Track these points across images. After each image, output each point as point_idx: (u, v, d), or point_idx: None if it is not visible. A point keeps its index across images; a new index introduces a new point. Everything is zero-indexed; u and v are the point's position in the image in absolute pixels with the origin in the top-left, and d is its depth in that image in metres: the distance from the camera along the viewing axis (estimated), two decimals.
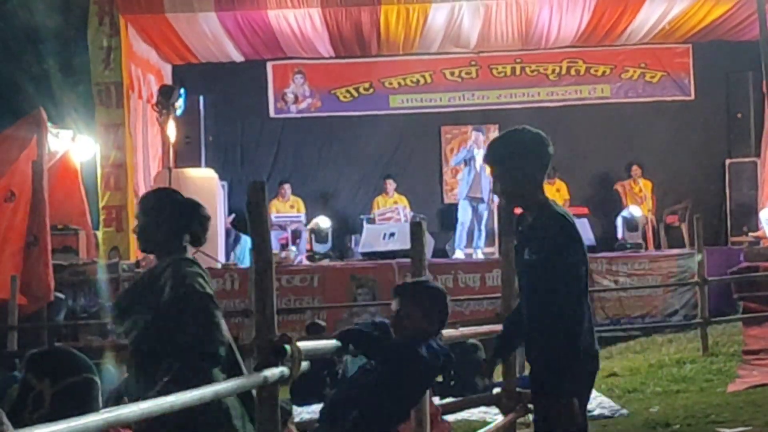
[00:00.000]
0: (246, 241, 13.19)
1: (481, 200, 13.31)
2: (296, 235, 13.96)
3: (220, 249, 13.08)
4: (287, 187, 14.47)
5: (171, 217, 3.83)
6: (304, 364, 3.09)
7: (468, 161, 13.35)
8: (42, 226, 10.64)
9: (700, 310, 10.44)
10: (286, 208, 14.32)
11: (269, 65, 15.33)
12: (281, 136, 15.39)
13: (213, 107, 15.06)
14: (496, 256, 12.11)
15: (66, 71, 16.34)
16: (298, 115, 15.45)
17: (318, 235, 13.72)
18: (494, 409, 6.75)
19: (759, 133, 14.22)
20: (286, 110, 15.48)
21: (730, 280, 11.59)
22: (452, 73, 15.36)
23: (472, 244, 13.52)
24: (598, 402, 8.01)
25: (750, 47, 12.96)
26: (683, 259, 12.01)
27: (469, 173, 13.34)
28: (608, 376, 9.24)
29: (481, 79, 15.37)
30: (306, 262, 13.29)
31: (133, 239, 11.17)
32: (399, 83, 15.37)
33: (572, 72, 15.32)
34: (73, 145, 12.41)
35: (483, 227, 13.51)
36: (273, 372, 2.91)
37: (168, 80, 14.61)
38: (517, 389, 5.71)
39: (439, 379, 5.71)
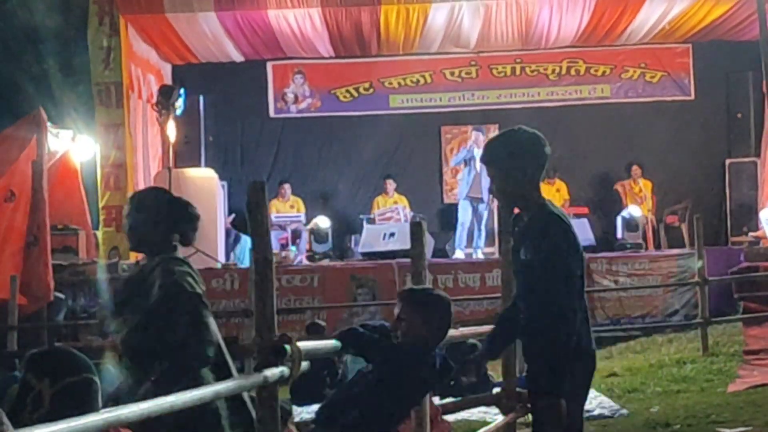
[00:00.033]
0: (246, 241, 13.19)
1: (481, 200, 13.31)
2: (296, 235, 13.96)
3: (220, 249, 13.08)
4: (287, 187, 14.47)
5: (160, 216, 3.82)
6: (304, 364, 3.09)
7: (468, 161, 13.35)
8: (42, 226, 10.64)
9: (700, 310, 10.44)
10: (286, 208, 14.33)
11: (269, 65, 15.33)
12: (281, 136, 15.40)
13: (213, 107, 15.06)
14: (496, 256, 12.11)
15: (66, 71, 16.33)
16: (298, 115, 15.45)
17: (317, 235, 13.72)
18: (494, 409, 6.74)
19: (759, 133, 14.22)
20: (286, 110, 15.48)
21: (730, 280, 11.58)
22: (452, 73, 15.36)
23: (472, 244, 13.52)
24: (598, 402, 8.01)
25: (750, 47, 12.96)
26: (683, 259, 12.01)
27: (469, 173, 13.34)
28: (608, 376, 9.24)
29: (481, 79, 15.37)
30: (306, 262, 13.29)
31: None
32: (399, 83, 15.37)
33: (572, 72, 15.32)
34: (73, 145, 12.41)
35: (483, 227, 13.51)
36: (273, 372, 2.91)
37: (168, 80, 14.61)
38: (517, 389, 5.71)
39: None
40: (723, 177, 14.51)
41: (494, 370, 8.41)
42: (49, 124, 11.25)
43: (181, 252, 3.96)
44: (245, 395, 3.77)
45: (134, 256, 12.17)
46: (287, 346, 2.94)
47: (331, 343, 3.58)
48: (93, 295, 11.19)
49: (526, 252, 3.58)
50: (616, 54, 15.23)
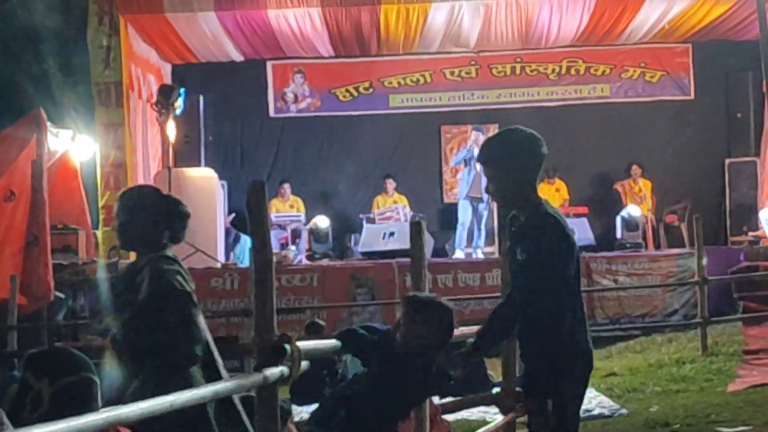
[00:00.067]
0: (246, 240, 13.19)
1: (481, 200, 13.30)
2: (296, 235, 13.96)
3: (220, 248, 13.08)
4: (287, 186, 14.47)
5: (150, 214, 3.81)
6: (304, 364, 3.09)
7: (468, 161, 13.35)
8: (42, 226, 10.64)
9: (699, 309, 10.43)
10: (285, 208, 14.33)
11: (269, 65, 15.33)
12: (281, 136, 15.39)
13: (213, 107, 15.05)
14: (496, 255, 12.12)
15: (66, 71, 16.33)
16: (298, 115, 15.45)
17: (317, 235, 13.71)
18: (494, 409, 6.75)
19: (759, 133, 14.21)
20: (285, 110, 15.48)
21: (729, 279, 11.58)
22: (452, 73, 15.36)
23: (472, 243, 13.52)
24: (597, 402, 8.01)
25: (750, 47, 12.96)
26: (683, 259, 12.01)
27: (469, 173, 13.34)
28: (608, 376, 9.24)
29: (481, 78, 15.37)
30: (306, 261, 13.29)
31: None
32: (399, 83, 15.37)
33: (572, 71, 15.32)
34: (73, 144, 12.40)
35: (483, 227, 13.51)
36: (273, 372, 2.91)
37: (168, 80, 14.60)
38: (517, 389, 5.71)
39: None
40: (723, 177, 14.51)
41: (494, 370, 8.41)
42: (48, 123, 11.25)
43: (182, 252, 3.97)
44: (235, 397, 3.78)
45: (134, 256, 12.19)
46: (287, 346, 2.95)
47: (331, 342, 3.58)
48: (93, 294, 11.19)
49: (521, 252, 3.58)
50: (615, 54, 15.23)
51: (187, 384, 3.54)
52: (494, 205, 13.14)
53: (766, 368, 8.90)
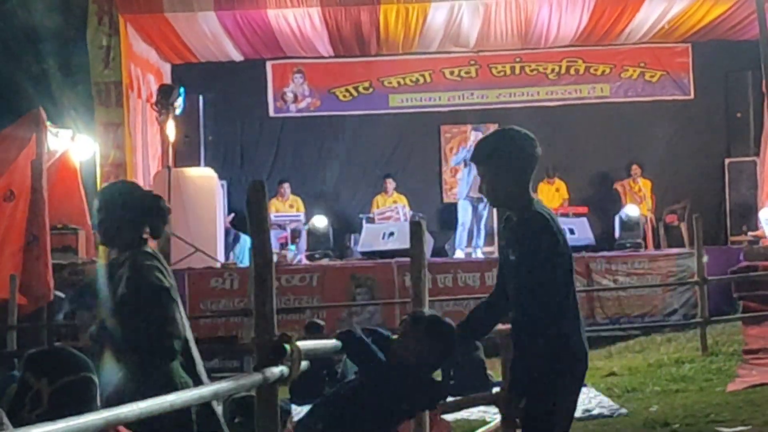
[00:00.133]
0: (245, 240, 13.19)
1: (481, 200, 13.29)
2: (295, 235, 13.96)
3: (220, 248, 13.08)
4: (287, 186, 14.47)
5: (129, 210, 3.81)
6: (304, 364, 3.09)
7: (468, 161, 13.34)
8: (41, 226, 10.64)
9: (699, 309, 10.44)
10: (285, 208, 14.32)
11: (269, 64, 15.33)
12: (281, 136, 15.39)
13: (212, 107, 15.05)
14: (496, 255, 12.10)
15: (65, 71, 16.33)
16: (298, 115, 15.45)
17: (315, 235, 13.69)
18: (494, 409, 6.75)
19: (758, 133, 14.21)
20: (285, 109, 15.48)
21: (729, 279, 11.58)
22: (452, 73, 15.36)
23: (472, 243, 13.52)
24: (597, 401, 8.02)
25: (749, 47, 12.96)
26: (683, 259, 12.01)
27: (468, 173, 13.34)
28: (607, 376, 9.25)
29: (481, 78, 15.37)
30: (306, 261, 13.29)
31: None
32: (398, 82, 15.37)
33: (572, 71, 15.32)
34: (73, 144, 12.41)
35: (483, 227, 13.51)
36: (272, 371, 2.91)
37: (167, 79, 14.60)
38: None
39: (438, 378, 5.70)
40: (722, 176, 14.51)
41: (494, 370, 8.42)
42: (48, 123, 11.25)
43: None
44: (214, 403, 3.79)
45: None
46: (287, 346, 2.95)
47: (331, 342, 3.58)
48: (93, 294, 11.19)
49: (513, 252, 3.58)
50: (615, 53, 15.23)
51: (168, 380, 3.56)
52: None
53: (766, 368, 8.90)
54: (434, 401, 3.77)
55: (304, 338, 5.17)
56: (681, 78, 15.29)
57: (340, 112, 15.39)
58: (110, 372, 3.54)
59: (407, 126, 15.32)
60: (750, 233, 13.43)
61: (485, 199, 13.97)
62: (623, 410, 7.68)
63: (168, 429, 3.29)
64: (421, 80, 15.36)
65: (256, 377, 2.88)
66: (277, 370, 2.93)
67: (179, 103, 13.20)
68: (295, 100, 15.45)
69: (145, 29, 13.64)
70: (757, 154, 14.12)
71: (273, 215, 13.61)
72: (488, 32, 14.27)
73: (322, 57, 15.09)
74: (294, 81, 15.40)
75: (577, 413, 7.24)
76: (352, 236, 14.24)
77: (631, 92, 15.32)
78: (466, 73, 15.36)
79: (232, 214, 14.03)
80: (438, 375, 4.47)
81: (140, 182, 13.11)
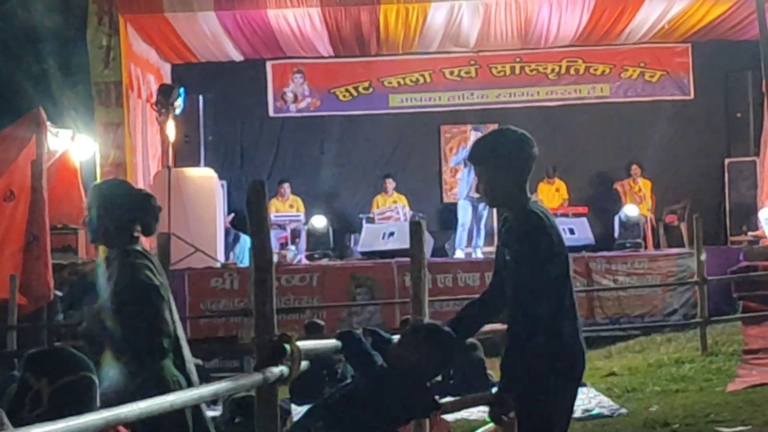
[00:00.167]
0: (245, 240, 13.19)
1: (481, 199, 13.29)
2: (295, 235, 13.96)
3: (220, 248, 13.08)
4: (286, 186, 14.47)
5: (119, 208, 3.82)
6: (304, 364, 3.09)
7: (467, 161, 13.35)
8: (41, 226, 10.64)
9: (699, 309, 10.43)
10: (285, 208, 14.32)
11: (269, 64, 15.33)
12: (281, 136, 15.40)
13: (212, 107, 15.05)
14: None
15: (65, 71, 16.33)
16: (298, 115, 15.45)
17: (314, 235, 13.68)
18: None
19: (758, 133, 14.20)
20: (285, 109, 15.48)
21: (729, 279, 11.58)
22: (452, 73, 15.36)
23: (472, 243, 13.52)
24: (597, 401, 8.02)
25: (749, 47, 12.97)
26: (682, 259, 12.01)
27: (468, 173, 13.33)
28: (607, 376, 9.25)
29: (481, 78, 15.37)
30: (306, 261, 13.29)
31: None
32: (398, 82, 15.37)
33: (572, 71, 15.32)
34: (73, 144, 12.41)
35: (483, 227, 13.50)
36: (273, 371, 2.91)
37: (167, 79, 14.60)
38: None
39: (439, 378, 5.71)
40: (722, 176, 14.51)
41: (494, 370, 8.42)
42: (48, 123, 11.25)
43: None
44: (203, 406, 3.79)
45: None
46: (287, 346, 2.95)
47: (331, 342, 3.58)
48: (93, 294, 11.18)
49: (509, 252, 3.58)
50: (615, 53, 15.23)
51: (160, 378, 3.57)
52: None
53: (766, 368, 8.90)
54: (427, 411, 3.76)
55: (304, 338, 5.17)
56: (681, 78, 15.29)
57: (340, 112, 15.38)
58: (101, 369, 3.54)
59: (407, 126, 15.33)
60: (750, 233, 13.43)
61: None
62: (623, 410, 7.68)
63: (166, 428, 3.30)
64: (421, 80, 15.36)
65: (256, 377, 2.89)
66: (277, 370, 2.93)
67: (179, 103, 13.20)
68: (295, 100, 15.45)
69: (145, 29, 13.64)
70: (757, 154, 14.11)
71: (273, 215, 13.61)
72: (488, 32, 14.27)
73: (322, 57, 15.10)
74: (294, 81, 15.40)
75: (577, 413, 7.29)
76: (352, 236, 14.24)
77: (631, 92, 15.32)
78: (466, 73, 15.36)
79: (232, 214, 14.03)
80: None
81: (140, 182, 13.14)
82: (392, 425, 3.64)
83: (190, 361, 3.82)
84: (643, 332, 11.38)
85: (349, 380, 3.81)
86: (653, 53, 15.26)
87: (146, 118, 13.84)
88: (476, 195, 13.24)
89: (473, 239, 13.49)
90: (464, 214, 13.43)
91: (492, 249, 13.38)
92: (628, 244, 13.10)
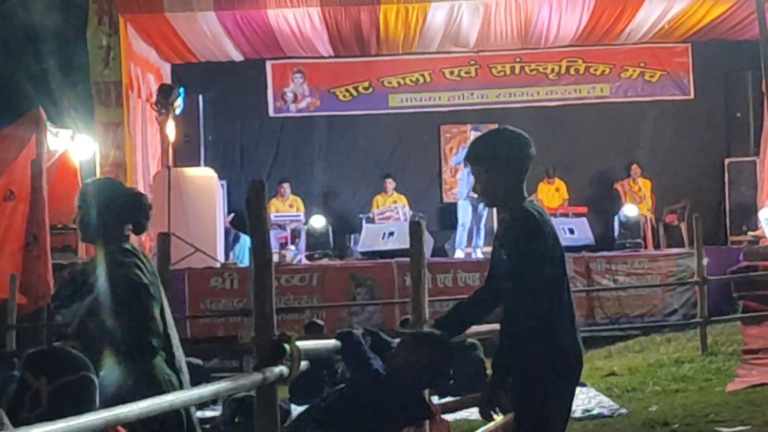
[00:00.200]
0: (245, 240, 13.19)
1: (480, 199, 13.28)
2: (295, 235, 13.96)
3: (220, 248, 13.08)
4: (286, 186, 14.47)
5: (110, 207, 3.81)
6: (303, 364, 3.09)
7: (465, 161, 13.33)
8: (41, 226, 10.64)
9: (699, 309, 10.43)
10: (285, 208, 14.32)
11: (268, 64, 15.33)
12: (280, 136, 15.40)
13: (212, 106, 15.05)
14: None
15: (65, 70, 16.33)
16: (298, 115, 15.45)
17: (313, 236, 13.68)
18: None
19: (758, 133, 14.21)
20: (285, 109, 15.47)
21: (729, 279, 11.58)
22: (451, 73, 15.36)
23: (472, 243, 13.52)
24: (597, 401, 8.02)
25: (749, 47, 12.96)
26: (682, 259, 12.01)
27: (468, 173, 13.32)
28: (607, 376, 9.25)
29: (481, 78, 15.36)
30: (305, 261, 13.29)
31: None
32: (398, 82, 15.37)
33: (571, 71, 15.32)
34: (73, 144, 12.41)
35: (483, 227, 13.50)
36: (272, 371, 2.91)
37: (167, 79, 14.60)
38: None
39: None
40: (722, 176, 14.51)
41: None
42: (48, 123, 11.26)
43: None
44: (192, 409, 3.80)
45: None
46: (286, 346, 2.95)
47: (331, 342, 3.58)
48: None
49: (505, 252, 3.57)
50: (615, 53, 15.23)
51: (151, 376, 3.57)
52: None
53: (766, 368, 8.90)
54: (420, 419, 3.76)
55: (304, 338, 5.17)
56: (681, 78, 15.29)
57: (340, 112, 15.38)
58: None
59: (407, 126, 15.32)
60: (750, 233, 13.43)
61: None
62: (623, 410, 7.68)
63: (164, 428, 3.30)
64: (421, 80, 15.36)
65: (256, 377, 2.88)
66: (276, 370, 2.93)
67: (179, 103, 13.20)
68: (295, 100, 15.45)
69: (145, 29, 13.64)
70: (757, 154, 14.12)
71: (273, 215, 13.61)
72: (488, 32, 14.27)
73: (322, 57, 15.09)
74: (294, 81, 15.40)
75: (577, 413, 7.29)
76: (352, 236, 14.24)
77: (631, 92, 15.32)
78: (466, 73, 15.36)
79: (232, 214, 14.02)
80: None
81: (140, 182, 13.15)
82: (384, 431, 3.63)
83: (182, 360, 3.81)
84: (643, 332, 11.38)
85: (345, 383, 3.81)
86: (653, 53, 15.26)
87: (146, 117, 13.84)
88: (476, 195, 13.24)
89: (473, 239, 13.49)
90: (464, 214, 13.43)
91: (491, 249, 13.41)
92: (628, 244, 13.10)
